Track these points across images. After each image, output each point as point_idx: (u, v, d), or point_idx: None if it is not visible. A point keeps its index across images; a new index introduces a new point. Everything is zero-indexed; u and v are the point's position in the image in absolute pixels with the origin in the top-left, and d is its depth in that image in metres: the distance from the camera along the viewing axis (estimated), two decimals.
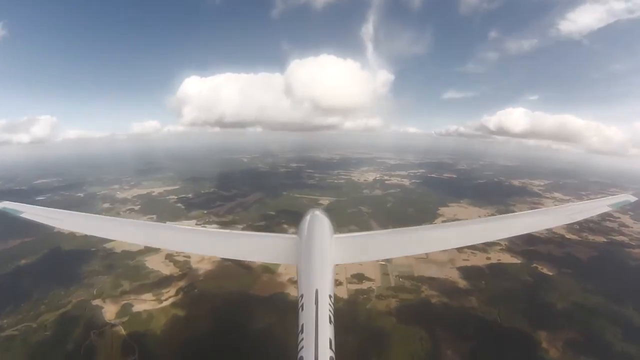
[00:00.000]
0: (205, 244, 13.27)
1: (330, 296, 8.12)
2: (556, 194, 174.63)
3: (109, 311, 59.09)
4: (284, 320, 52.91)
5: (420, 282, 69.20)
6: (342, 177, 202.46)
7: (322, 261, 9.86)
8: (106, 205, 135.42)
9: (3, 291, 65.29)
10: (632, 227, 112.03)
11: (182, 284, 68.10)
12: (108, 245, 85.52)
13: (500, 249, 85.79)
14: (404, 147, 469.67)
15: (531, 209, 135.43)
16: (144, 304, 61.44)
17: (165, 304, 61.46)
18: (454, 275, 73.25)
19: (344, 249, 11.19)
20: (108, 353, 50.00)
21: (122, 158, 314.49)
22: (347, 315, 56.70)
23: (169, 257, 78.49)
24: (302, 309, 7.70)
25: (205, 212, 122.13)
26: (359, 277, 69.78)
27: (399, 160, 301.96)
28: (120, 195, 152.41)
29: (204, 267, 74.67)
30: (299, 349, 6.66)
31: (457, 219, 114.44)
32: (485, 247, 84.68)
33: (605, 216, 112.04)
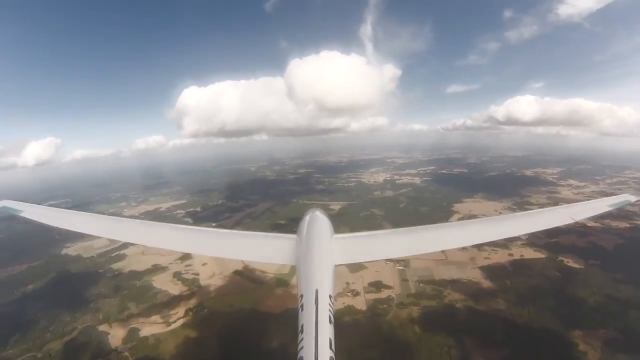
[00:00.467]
0: (206, 244, 13.03)
1: (330, 296, 7.93)
2: (571, 181, 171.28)
3: (116, 336, 56.65)
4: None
5: (442, 286, 65.66)
6: (352, 180, 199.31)
7: (322, 261, 9.72)
8: None
9: (10, 319, 63.75)
10: None
11: (191, 303, 65.45)
12: (115, 266, 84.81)
13: (522, 244, 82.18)
14: (411, 145, 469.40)
15: (548, 199, 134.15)
16: (152, 327, 58.88)
17: (173, 326, 58.68)
18: (476, 275, 69.78)
19: (344, 249, 10.99)
20: None
21: (129, 175, 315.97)
22: (367, 328, 53.58)
23: (177, 275, 76.57)
24: (302, 309, 7.58)
25: (214, 224, 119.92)
26: (377, 285, 66.37)
27: (408, 159, 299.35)
28: (127, 212, 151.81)
29: (213, 284, 72.32)
30: (298, 349, 6.55)
31: (473, 216, 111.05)
32: (506, 242, 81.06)
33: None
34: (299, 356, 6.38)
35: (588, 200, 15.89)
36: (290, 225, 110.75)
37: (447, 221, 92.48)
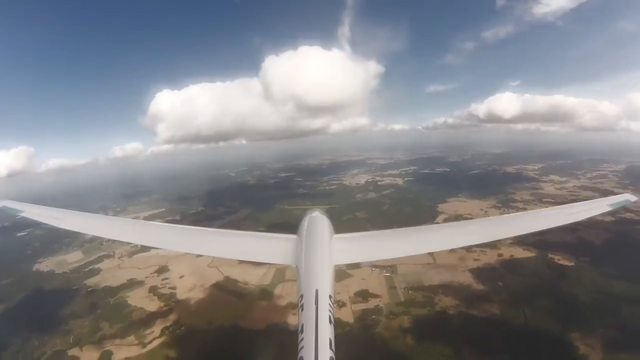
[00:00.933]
0: (204, 243, 13.07)
1: (330, 296, 7.87)
2: (553, 177, 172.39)
3: None
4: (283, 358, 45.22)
5: (432, 292, 62.99)
6: (334, 182, 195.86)
7: (322, 261, 9.69)
8: (89, 236, 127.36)
9: None
10: (637, 203, 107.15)
11: (168, 321, 60.91)
12: (89, 282, 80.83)
13: (511, 243, 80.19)
14: (392, 145, 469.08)
15: (532, 195, 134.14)
16: (126, 350, 54.75)
17: (149, 347, 54.67)
18: (467, 278, 67.59)
19: (344, 249, 11.00)
20: None
21: (106, 184, 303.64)
22: (357, 342, 49.69)
23: (153, 289, 72.50)
24: (302, 309, 7.53)
25: None
26: (363, 295, 63.13)
27: (389, 159, 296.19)
28: None
29: (192, 297, 68.60)
30: (298, 349, 6.49)
31: (459, 215, 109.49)
32: (495, 242, 78.56)
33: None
34: (299, 356, 6.33)
35: (587, 200, 15.38)
36: (271, 231, 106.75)
37: (433, 222, 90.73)
